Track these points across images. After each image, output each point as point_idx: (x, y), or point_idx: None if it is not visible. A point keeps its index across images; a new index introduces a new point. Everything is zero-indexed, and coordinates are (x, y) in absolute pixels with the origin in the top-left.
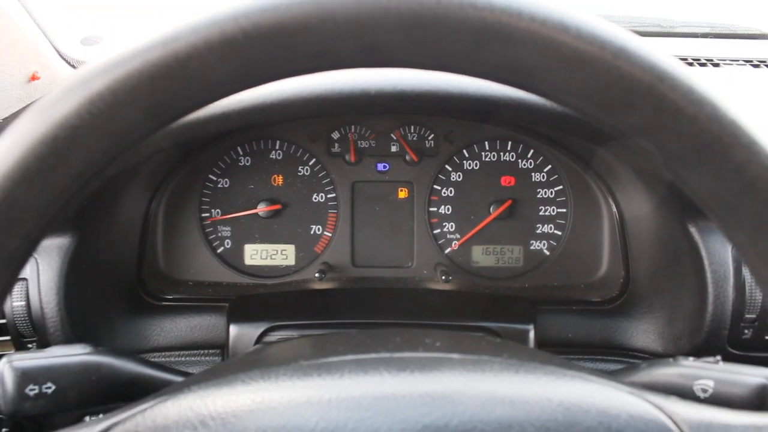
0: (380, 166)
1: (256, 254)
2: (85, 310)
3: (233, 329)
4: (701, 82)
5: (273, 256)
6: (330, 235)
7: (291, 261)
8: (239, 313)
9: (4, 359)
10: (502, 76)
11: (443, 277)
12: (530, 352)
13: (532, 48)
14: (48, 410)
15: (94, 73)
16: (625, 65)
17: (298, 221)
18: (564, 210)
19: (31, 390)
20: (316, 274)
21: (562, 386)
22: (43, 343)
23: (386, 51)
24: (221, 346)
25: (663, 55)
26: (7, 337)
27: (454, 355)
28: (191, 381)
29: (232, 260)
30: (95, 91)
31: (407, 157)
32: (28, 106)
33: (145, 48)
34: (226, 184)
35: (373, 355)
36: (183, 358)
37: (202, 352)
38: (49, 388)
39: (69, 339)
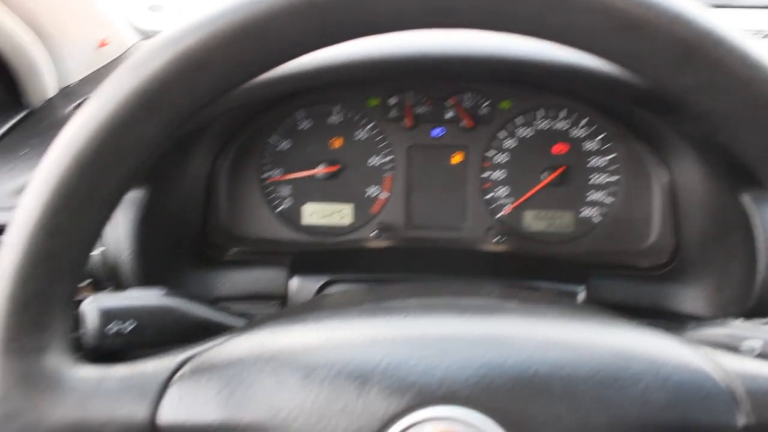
0: (436, 132)
1: (314, 213)
2: (155, 260)
3: (293, 282)
4: (757, 48)
5: (330, 216)
6: (386, 196)
7: (348, 221)
8: (300, 267)
9: (89, 299)
10: (564, 38)
11: (495, 240)
12: (583, 305)
13: (593, 12)
14: (125, 347)
15: (183, 33)
16: (681, 29)
17: (356, 183)
18: (616, 178)
19: (112, 328)
20: (373, 234)
21: (613, 333)
22: (118, 288)
23: (454, 12)
24: (281, 297)
25: (721, 22)
26: (87, 281)
27: (512, 303)
28: (262, 320)
29: (291, 219)
30: (184, 49)
31: (462, 123)
32: (98, 70)
33: (232, 8)
34: (286, 145)
35: (434, 300)
36: (244, 308)
37: (262, 302)
38: (128, 326)
39: (141, 285)
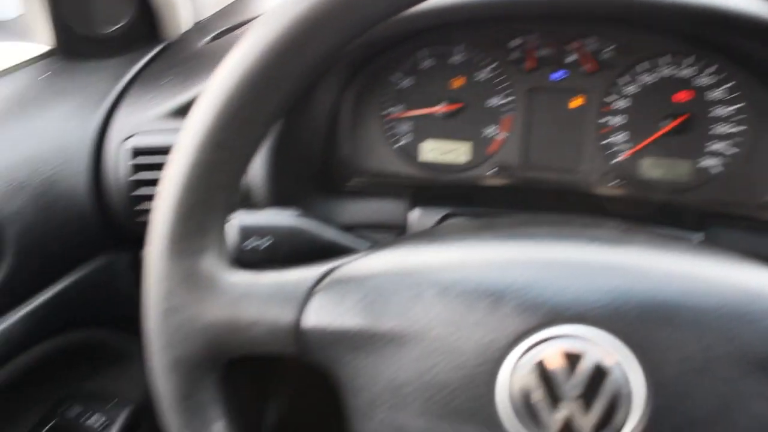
0: (556, 75)
1: (432, 150)
2: (285, 186)
3: (414, 213)
4: None
5: (448, 153)
6: (504, 137)
7: (464, 159)
8: (420, 199)
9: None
10: None
11: (611, 184)
12: (708, 244)
13: None
14: (260, 262)
15: None
16: None
17: (474, 122)
18: (741, 129)
19: (250, 243)
20: (490, 172)
21: (741, 271)
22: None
23: None
24: (400, 228)
25: None
26: None
27: (639, 236)
28: (400, 239)
29: (409, 154)
30: None
31: (583, 68)
32: (227, 6)
33: None
34: (408, 83)
35: (565, 228)
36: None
37: (381, 232)
38: (264, 243)
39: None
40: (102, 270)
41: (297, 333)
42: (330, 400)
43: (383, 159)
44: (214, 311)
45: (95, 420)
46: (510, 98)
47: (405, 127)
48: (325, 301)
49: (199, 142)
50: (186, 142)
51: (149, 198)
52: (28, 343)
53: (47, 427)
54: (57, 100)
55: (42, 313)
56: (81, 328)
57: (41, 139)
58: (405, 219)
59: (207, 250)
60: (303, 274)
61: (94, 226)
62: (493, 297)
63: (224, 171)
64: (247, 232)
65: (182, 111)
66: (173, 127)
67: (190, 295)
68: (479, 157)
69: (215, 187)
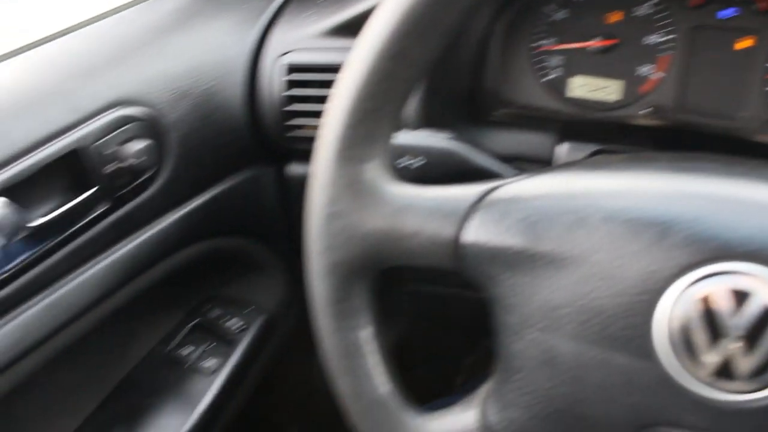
0: (724, 13)
1: (581, 86)
2: (434, 109)
3: (561, 147)
4: None
5: (597, 90)
6: (659, 77)
7: (615, 97)
8: (568, 134)
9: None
10: None
11: None
12: None
13: None
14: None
15: None
16: None
17: (629, 59)
18: None
19: (402, 162)
20: (642, 112)
21: None
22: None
23: None
24: (546, 162)
25: None
26: None
27: None
28: (563, 165)
29: (557, 89)
30: None
31: (756, 5)
32: None
33: None
34: (561, 15)
35: (735, 167)
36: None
37: (526, 164)
38: (417, 162)
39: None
40: (248, 182)
41: (456, 247)
42: (439, 332)
43: (530, 92)
44: (376, 219)
45: (233, 323)
46: (670, 36)
47: (555, 61)
48: (486, 218)
49: (378, 50)
50: (364, 50)
51: (301, 114)
52: (178, 246)
53: (190, 325)
54: (218, 15)
55: (192, 219)
56: (225, 236)
57: (203, 52)
58: (551, 153)
59: (373, 159)
60: (465, 191)
61: (245, 139)
62: (661, 227)
63: (399, 81)
64: (400, 151)
65: (340, 30)
66: (329, 46)
67: (353, 202)
68: (630, 96)
69: (388, 96)
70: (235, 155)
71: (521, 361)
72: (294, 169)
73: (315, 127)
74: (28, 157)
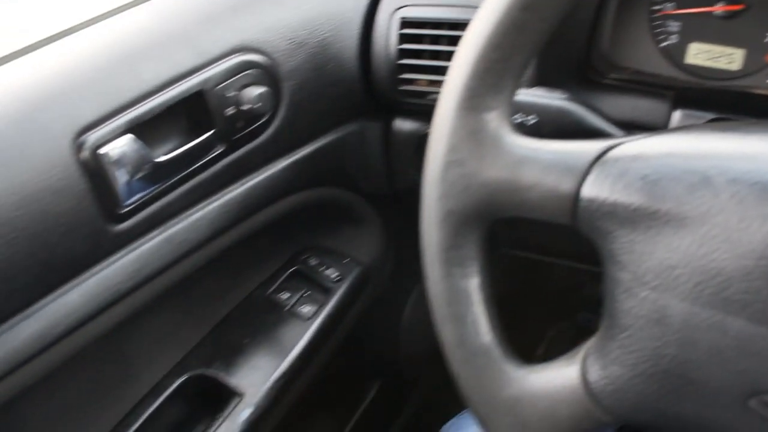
0: None
1: (700, 54)
2: (547, 71)
3: (676, 114)
4: None
5: (718, 58)
6: None
7: (736, 66)
8: (684, 101)
9: None
10: None
11: None
12: None
13: None
14: None
15: None
16: None
17: (756, 26)
18: None
19: (517, 118)
20: None
21: None
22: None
23: None
24: (660, 128)
25: None
26: None
27: None
28: (681, 127)
29: (675, 55)
30: None
31: None
32: None
33: None
34: None
35: None
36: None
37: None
38: (530, 120)
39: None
40: (354, 135)
41: (573, 202)
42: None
43: (646, 57)
44: (495, 169)
45: (330, 273)
46: None
47: (674, 25)
48: (606, 174)
49: (506, 2)
50: (491, 3)
51: (413, 69)
52: (283, 193)
53: (289, 272)
54: None
55: (298, 168)
56: (327, 187)
57: (320, 3)
58: (665, 120)
59: (496, 109)
60: (586, 147)
61: (356, 91)
62: None
63: (529, 33)
64: (515, 107)
65: None
66: (444, 2)
67: (474, 151)
68: (754, 64)
69: (517, 48)
70: (344, 107)
71: (630, 319)
72: (399, 124)
73: (426, 83)
74: (155, 96)
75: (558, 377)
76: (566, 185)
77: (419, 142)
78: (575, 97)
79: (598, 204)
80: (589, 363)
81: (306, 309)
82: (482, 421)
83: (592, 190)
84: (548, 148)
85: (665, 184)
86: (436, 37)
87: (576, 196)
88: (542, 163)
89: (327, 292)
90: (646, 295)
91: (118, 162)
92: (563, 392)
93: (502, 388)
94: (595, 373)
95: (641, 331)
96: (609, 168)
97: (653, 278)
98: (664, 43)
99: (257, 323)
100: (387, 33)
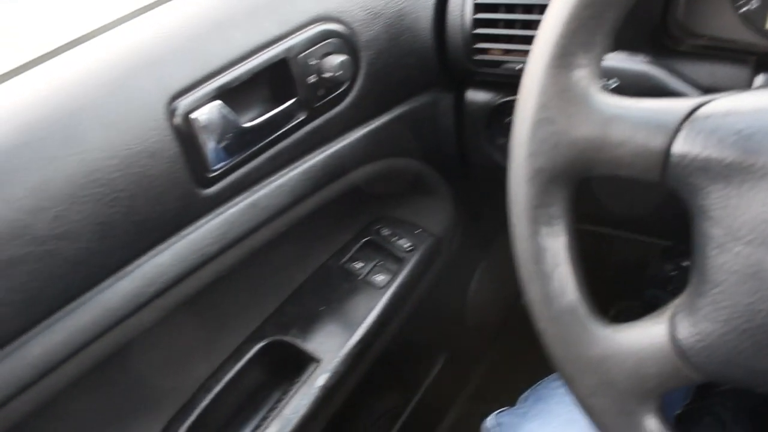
0: None
1: None
2: (624, 37)
3: (759, 79)
4: None
5: None
6: None
7: None
8: (764, 67)
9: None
10: None
11: None
12: None
13: None
14: None
15: None
16: None
17: None
18: None
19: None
20: None
21: None
22: None
23: None
24: None
25: None
26: None
27: None
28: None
29: (754, 21)
30: None
31: None
32: None
33: None
34: None
35: None
36: None
37: None
38: (611, 84)
39: None
40: (428, 106)
41: (664, 158)
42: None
43: (723, 23)
44: (585, 127)
45: (402, 243)
46: None
47: None
48: (698, 130)
49: None
50: None
51: (488, 38)
52: (358, 162)
53: (362, 242)
54: None
55: (374, 137)
56: (400, 157)
57: None
58: (747, 85)
59: (587, 67)
60: (677, 104)
61: (430, 61)
62: None
63: None
64: None
65: None
66: None
67: (564, 109)
68: None
69: (608, 4)
70: (418, 77)
71: (722, 274)
72: (472, 95)
73: (500, 52)
74: (243, 63)
75: (645, 335)
76: (657, 142)
77: (491, 113)
78: (657, 61)
79: (690, 159)
80: (677, 320)
81: (379, 278)
82: (568, 380)
83: (683, 146)
84: (638, 105)
85: (760, 138)
86: (511, 6)
87: (667, 152)
88: (632, 120)
89: (400, 261)
90: (740, 250)
91: (208, 127)
92: (651, 350)
93: (589, 346)
94: (684, 330)
95: (735, 286)
96: (701, 124)
97: (748, 233)
98: (745, 9)
99: (332, 292)
100: (462, 2)
